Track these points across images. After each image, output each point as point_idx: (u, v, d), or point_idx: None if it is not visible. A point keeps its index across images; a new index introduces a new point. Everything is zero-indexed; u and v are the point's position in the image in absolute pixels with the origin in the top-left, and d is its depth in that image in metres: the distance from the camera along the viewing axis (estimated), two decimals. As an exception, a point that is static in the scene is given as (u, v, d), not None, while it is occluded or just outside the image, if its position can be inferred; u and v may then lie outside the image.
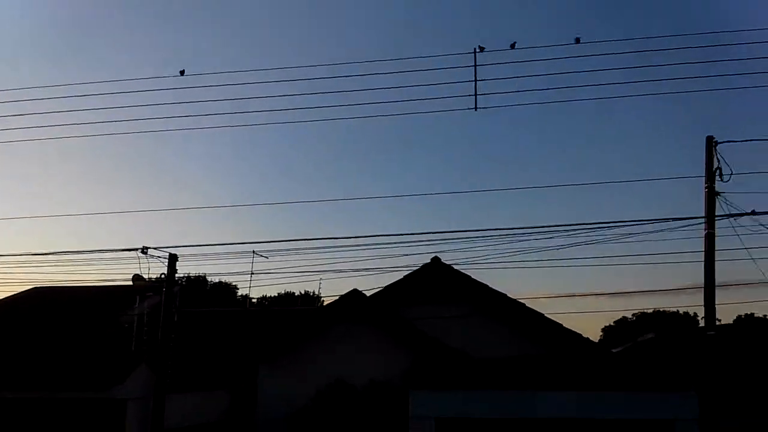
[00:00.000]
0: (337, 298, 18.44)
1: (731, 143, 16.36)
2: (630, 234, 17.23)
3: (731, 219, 16.12)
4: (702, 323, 17.18)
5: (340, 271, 19.32)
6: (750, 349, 19.29)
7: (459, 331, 17.36)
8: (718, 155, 16.18)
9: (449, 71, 15.49)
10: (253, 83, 16.66)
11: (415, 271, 18.64)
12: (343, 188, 79.75)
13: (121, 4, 70.63)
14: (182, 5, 72.91)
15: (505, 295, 18.34)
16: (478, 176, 78.07)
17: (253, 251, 20.94)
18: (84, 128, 21.60)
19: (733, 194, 16.20)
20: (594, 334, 52.55)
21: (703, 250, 16.00)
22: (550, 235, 17.40)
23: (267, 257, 20.74)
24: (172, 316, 18.70)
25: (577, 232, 17.15)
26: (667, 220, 16.32)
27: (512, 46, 15.58)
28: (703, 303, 16.05)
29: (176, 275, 18.91)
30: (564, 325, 18.04)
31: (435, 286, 18.47)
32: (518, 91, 16.12)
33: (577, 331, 18.31)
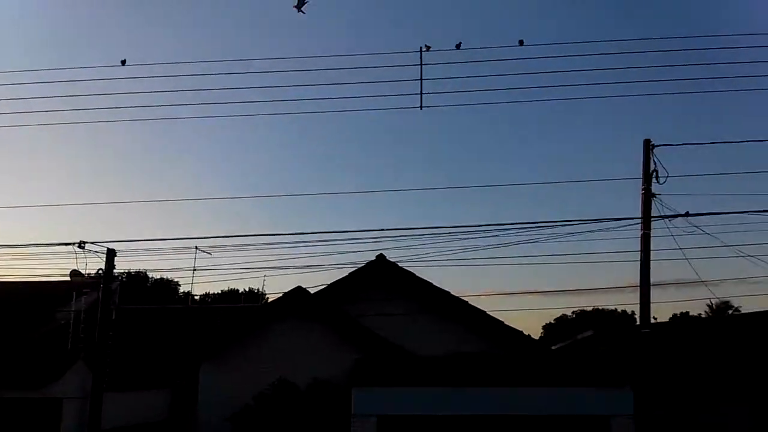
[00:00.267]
0: (281, 295, 18.34)
1: (668, 146, 16.89)
2: (570, 233, 17.65)
3: (666, 220, 16.65)
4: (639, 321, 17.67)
5: (285, 267, 19.25)
6: (683, 347, 19.95)
7: (403, 329, 17.46)
8: (655, 158, 16.70)
9: (395, 69, 15.56)
10: (200, 75, 16.42)
11: (359, 269, 18.66)
12: (287, 185, 79.30)
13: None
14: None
15: (448, 292, 18.53)
16: (424, 174, 78.65)
17: (196, 247, 20.65)
18: (18, 118, 20.98)
19: (668, 196, 16.75)
20: (535, 332, 53.66)
21: (640, 250, 16.48)
22: (493, 234, 17.70)
23: (210, 253, 20.49)
24: (110, 313, 18.32)
25: (519, 230, 17.48)
26: (604, 220, 16.76)
27: (458, 47, 15.74)
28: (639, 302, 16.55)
29: (115, 271, 18.51)
30: (505, 323, 18.34)
31: (380, 283, 18.54)
32: (463, 91, 16.31)
33: (519, 329, 18.66)
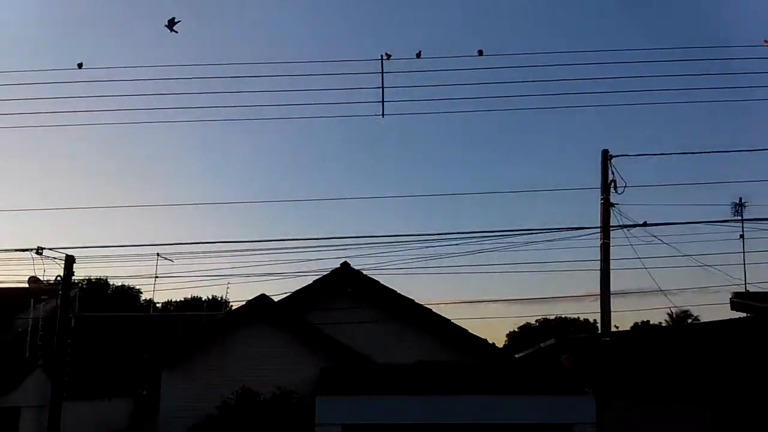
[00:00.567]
0: (244, 303, 18.22)
1: (625, 157, 17.22)
2: (532, 242, 17.90)
3: (625, 230, 16.97)
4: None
5: (248, 275, 19.15)
6: (643, 354, 20.31)
7: (367, 337, 17.48)
8: (613, 168, 17.01)
9: (356, 77, 15.64)
10: (161, 79, 16.27)
11: (324, 276, 18.66)
12: (251, 191, 78.81)
13: None
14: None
15: (413, 300, 18.63)
16: (388, 182, 78.85)
17: (158, 254, 20.46)
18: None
19: (626, 206, 17.08)
20: (499, 340, 54.06)
21: (600, 259, 16.77)
22: (457, 242, 17.87)
23: (172, 260, 20.31)
24: (69, 320, 18.03)
25: (482, 239, 17.68)
26: (565, 229, 17.04)
27: (418, 55, 15.87)
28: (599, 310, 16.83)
29: (74, 278, 18.23)
30: (469, 331, 18.49)
31: (344, 291, 18.54)
32: (424, 100, 16.48)
33: (483, 337, 18.82)
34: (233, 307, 22.97)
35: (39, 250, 17.17)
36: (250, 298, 17.88)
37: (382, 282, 18.71)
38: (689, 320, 43.39)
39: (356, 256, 18.13)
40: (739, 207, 20.90)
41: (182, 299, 46.63)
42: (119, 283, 45.06)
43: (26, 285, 20.27)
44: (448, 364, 16.85)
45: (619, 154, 17.14)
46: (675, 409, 14.65)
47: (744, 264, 20.97)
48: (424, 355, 17.34)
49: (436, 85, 16.12)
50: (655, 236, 17.14)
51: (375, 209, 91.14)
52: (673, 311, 43.94)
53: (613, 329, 19.00)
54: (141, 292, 45.83)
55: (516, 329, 56.54)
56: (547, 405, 14.69)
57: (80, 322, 24.36)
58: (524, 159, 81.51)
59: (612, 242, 16.95)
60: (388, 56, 15.64)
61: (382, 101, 15.44)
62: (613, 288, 16.94)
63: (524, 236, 17.88)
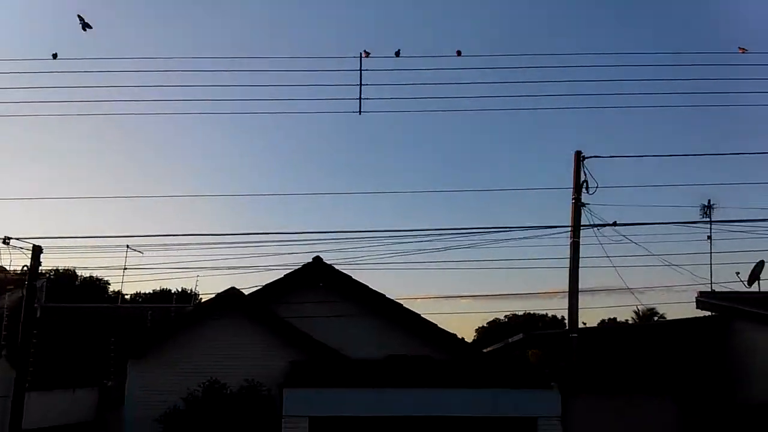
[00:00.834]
0: (214, 295, 18.11)
1: (597, 158, 17.46)
2: (504, 240, 18.08)
3: (595, 229, 17.24)
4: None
5: (218, 268, 19.06)
6: (609, 349, 20.60)
7: (338, 331, 17.49)
8: (585, 169, 17.25)
9: (334, 74, 15.68)
10: (139, 71, 16.17)
11: (295, 270, 18.61)
12: (222, 185, 78.27)
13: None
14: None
15: (384, 295, 18.66)
16: (360, 179, 78.81)
17: (127, 245, 20.27)
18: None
19: (597, 206, 17.34)
20: (468, 335, 54.37)
21: (569, 257, 17.00)
22: (430, 239, 17.99)
23: (141, 252, 20.14)
24: (35, 311, 17.78)
25: (454, 236, 17.82)
26: (536, 227, 17.27)
27: (397, 54, 15.94)
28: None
29: (42, 269, 17.97)
30: (439, 326, 18.60)
31: (315, 285, 18.52)
32: (402, 98, 16.57)
33: (452, 332, 18.95)
34: (203, 300, 22.86)
35: (6, 240, 16.93)
36: (220, 291, 17.82)
37: (353, 277, 18.73)
38: (655, 318, 44.01)
39: (328, 251, 18.12)
40: (707, 209, 21.33)
41: (151, 291, 46.31)
42: (87, 275, 44.65)
43: (-9, 275, 20.00)
44: (417, 358, 16.94)
45: (592, 155, 17.39)
46: (639, 403, 14.90)
47: (711, 264, 21.42)
48: (395, 349, 17.41)
49: (414, 83, 16.24)
50: (624, 236, 17.46)
51: (347, 205, 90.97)
52: (640, 309, 44.53)
53: (581, 326, 19.27)
54: (109, 284, 45.46)
55: (485, 324, 56.83)
56: (512, 399, 14.87)
57: (46, 313, 24.07)
58: (499, 158, 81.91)
59: (582, 241, 17.23)
60: (367, 54, 15.70)
61: (360, 98, 15.51)
62: (581, 285, 17.22)
63: (496, 233, 18.07)
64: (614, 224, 17.29)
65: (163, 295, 42.63)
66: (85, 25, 14.77)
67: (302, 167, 79.14)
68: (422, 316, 18.63)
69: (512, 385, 15.31)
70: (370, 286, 18.62)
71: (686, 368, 19.39)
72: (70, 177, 71.86)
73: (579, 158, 17.34)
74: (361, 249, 18.49)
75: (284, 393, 14.67)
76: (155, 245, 19.08)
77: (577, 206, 17.12)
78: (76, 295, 37.44)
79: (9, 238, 16.98)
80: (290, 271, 18.56)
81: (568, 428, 14.59)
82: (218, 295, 17.80)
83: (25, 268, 17.73)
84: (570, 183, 17.33)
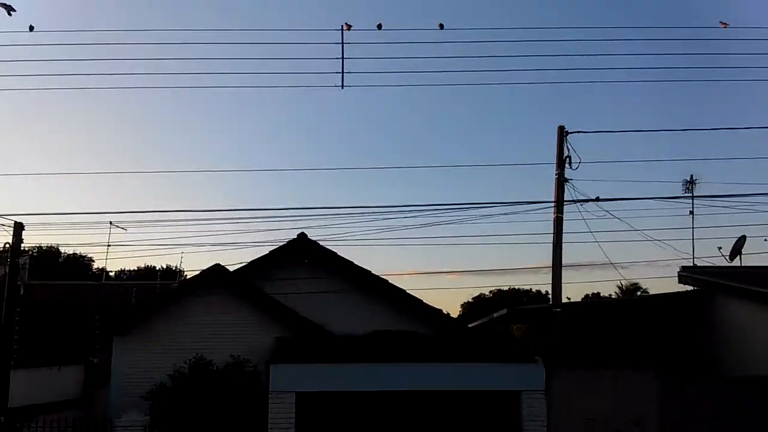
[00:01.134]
0: (199, 272, 18.08)
1: (581, 134, 17.49)
2: (488, 215, 18.14)
3: (578, 204, 17.32)
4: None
5: (203, 245, 18.99)
6: (593, 324, 20.85)
7: (325, 307, 17.52)
8: (569, 144, 17.28)
9: (317, 47, 15.52)
10: (114, 44, 15.92)
11: (280, 247, 18.56)
12: (207, 160, 77.77)
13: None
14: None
15: (370, 271, 18.68)
16: (344, 154, 78.59)
17: (111, 222, 20.16)
18: None
19: (580, 181, 17.41)
20: (454, 310, 54.75)
21: (553, 232, 17.08)
22: (414, 215, 18.02)
23: (125, 229, 20.04)
24: (18, 288, 17.67)
25: (439, 211, 17.85)
26: (520, 203, 17.32)
27: (379, 27, 15.77)
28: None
29: (24, 246, 17.82)
30: (425, 301, 18.68)
31: (301, 262, 18.52)
32: (384, 72, 16.47)
33: (438, 307, 19.05)
34: (188, 277, 22.81)
35: (-14, 217, 16.75)
36: (205, 267, 17.78)
37: (339, 253, 18.74)
38: (639, 293, 44.44)
39: (314, 227, 18.09)
40: (689, 184, 21.50)
41: (136, 268, 46.17)
42: (71, 252, 44.43)
43: (-27, 252, 19.81)
44: (403, 333, 17.04)
45: (575, 130, 17.41)
46: (622, 377, 15.11)
47: (693, 239, 21.65)
48: (381, 325, 17.49)
49: (397, 57, 16.12)
50: (607, 211, 17.55)
51: (333, 181, 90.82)
52: (623, 284, 44.97)
53: (565, 300, 19.46)
54: (93, 261, 45.30)
55: (471, 300, 57.21)
56: (497, 373, 15.00)
57: (30, 290, 23.96)
58: (484, 133, 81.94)
59: (565, 216, 17.29)
60: (349, 27, 15.52)
61: (342, 72, 15.38)
62: (565, 261, 17.32)
63: (481, 209, 18.13)
64: (597, 199, 17.37)
65: (148, 272, 42.56)
66: (9, 9, 14.45)
67: (287, 142, 78.77)
68: (408, 292, 18.72)
69: (497, 359, 15.46)
70: (356, 263, 18.67)
71: (668, 342, 19.68)
72: (52, 153, 71.13)
73: (562, 133, 17.36)
74: (347, 225, 18.50)
75: (270, 369, 14.73)
76: (139, 222, 19.00)
77: (561, 181, 17.16)
78: (59, 273, 37.26)
79: (-10, 215, 16.80)
80: (275, 247, 18.54)
81: (551, 401, 14.78)
82: (203, 271, 17.77)
83: (7, 246, 17.60)
84: (553, 158, 17.35)
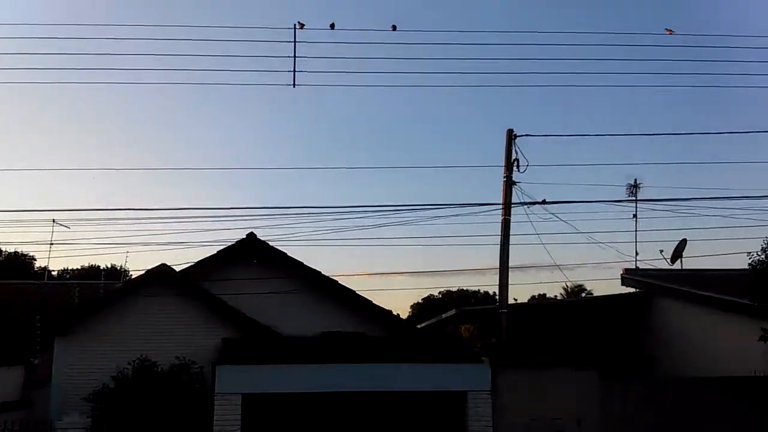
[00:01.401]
0: (144, 272, 17.76)
1: (529, 137, 17.78)
2: (437, 217, 18.29)
3: (525, 207, 17.59)
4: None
5: (149, 244, 18.67)
6: (538, 324, 21.22)
7: (273, 308, 17.41)
8: (517, 147, 17.54)
9: (268, 45, 15.45)
10: (67, 38, 15.54)
11: (229, 247, 18.40)
12: (155, 157, 76.32)
13: None
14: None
15: (319, 272, 18.66)
16: (294, 153, 78.13)
17: (53, 220, 19.68)
18: None
19: (528, 184, 17.68)
20: (404, 311, 54.96)
21: (500, 234, 17.31)
22: (364, 215, 18.05)
23: (68, 227, 19.58)
24: (-46, 288, 17.10)
25: (389, 212, 17.93)
26: (469, 205, 17.51)
27: (332, 27, 15.79)
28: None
29: (-38, 244, 17.26)
30: (374, 302, 18.74)
31: (250, 262, 18.38)
32: (336, 72, 16.48)
33: (387, 308, 19.15)
34: (133, 277, 22.41)
35: None
36: (151, 267, 17.49)
37: (289, 254, 18.65)
38: (583, 294, 45.43)
39: (263, 227, 17.95)
40: (633, 188, 22.05)
41: (79, 267, 45.08)
42: (11, 250, 43.14)
43: None
44: (351, 334, 17.06)
45: (523, 134, 17.68)
46: (565, 376, 15.40)
47: (636, 242, 22.22)
48: (331, 326, 17.46)
49: (349, 57, 16.13)
50: (553, 214, 17.85)
51: (282, 180, 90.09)
52: (569, 285, 45.93)
53: (512, 302, 19.75)
54: (35, 260, 44.06)
55: (420, 301, 57.52)
56: (443, 373, 15.14)
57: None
58: (433, 134, 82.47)
59: (513, 219, 17.54)
60: (302, 26, 15.50)
61: (294, 71, 15.34)
62: (512, 262, 17.58)
63: (430, 211, 18.26)
64: (544, 202, 17.66)
65: (92, 271, 41.49)
66: None
67: (236, 141, 77.86)
68: (358, 293, 18.75)
69: (444, 359, 15.59)
70: (306, 263, 18.62)
71: (611, 342, 20.18)
72: (-7, 148, 68.82)
73: (511, 136, 17.61)
74: (297, 225, 18.43)
75: (216, 370, 14.58)
76: (83, 219, 18.55)
77: (509, 184, 17.41)
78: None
79: (-75, 213, 16.26)
80: (224, 247, 18.36)
81: (497, 401, 14.98)
82: (148, 271, 17.47)
83: (-57, 244, 17.04)
84: (502, 161, 17.59)
